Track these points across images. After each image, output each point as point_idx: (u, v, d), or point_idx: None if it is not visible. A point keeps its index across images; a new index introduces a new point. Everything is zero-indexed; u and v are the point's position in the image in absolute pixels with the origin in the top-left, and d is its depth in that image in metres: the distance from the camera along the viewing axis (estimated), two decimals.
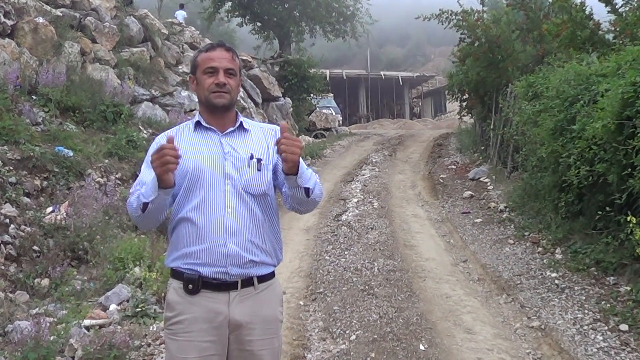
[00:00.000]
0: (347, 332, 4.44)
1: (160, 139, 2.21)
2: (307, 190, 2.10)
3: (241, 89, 2.32)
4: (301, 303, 5.15)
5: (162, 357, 4.01)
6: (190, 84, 2.28)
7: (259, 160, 2.17)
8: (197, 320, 2.09)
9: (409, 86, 42.61)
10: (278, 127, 2.18)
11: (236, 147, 2.18)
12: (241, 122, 2.24)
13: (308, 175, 2.11)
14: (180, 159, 2.06)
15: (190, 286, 2.09)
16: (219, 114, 2.20)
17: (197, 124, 2.23)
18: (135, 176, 8.08)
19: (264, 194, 2.18)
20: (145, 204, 2.02)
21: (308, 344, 4.32)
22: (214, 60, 2.16)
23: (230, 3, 24.39)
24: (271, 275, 2.22)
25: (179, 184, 2.11)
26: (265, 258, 2.18)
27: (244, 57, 17.34)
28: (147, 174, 2.12)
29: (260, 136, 2.25)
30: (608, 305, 4.70)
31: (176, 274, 2.15)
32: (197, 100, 2.39)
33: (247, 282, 2.14)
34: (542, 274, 5.63)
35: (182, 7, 20.54)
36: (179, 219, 2.14)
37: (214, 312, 2.09)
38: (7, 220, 5.53)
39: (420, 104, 45.07)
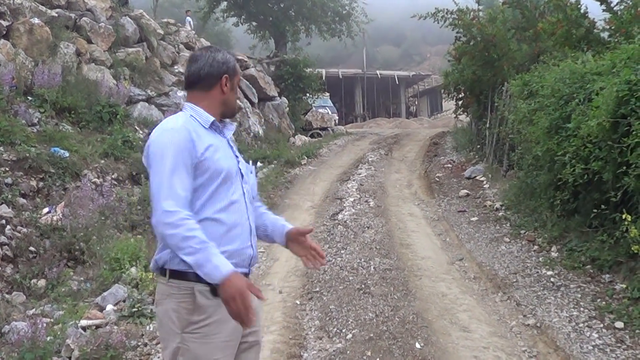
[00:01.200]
0: (344, 330, 4.45)
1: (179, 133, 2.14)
2: None
3: (237, 89, 2.33)
4: (297, 302, 5.15)
5: (158, 357, 4.01)
6: (224, 84, 2.23)
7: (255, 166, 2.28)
8: (226, 320, 2.02)
9: (405, 85, 42.64)
10: None
11: (237, 151, 2.28)
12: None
13: None
14: (211, 157, 2.08)
15: None
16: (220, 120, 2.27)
17: (212, 123, 2.19)
18: (131, 177, 8.08)
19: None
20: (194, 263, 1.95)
21: (304, 342, 4.32)
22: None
23: (225, 3, 24.38)
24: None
25: (208, 183, 2.07)
26: None
27: (240, 57, 17.33)
28: (183, 178, 2.02)
29: None
30: (603, 302, 4.72)
31: (199, 276, 2.00)
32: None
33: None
34: (537, 272, 5.64)
35: (188, 13, 21.60)
36: (204, 219, 2.06)
37: None
38: (3, 221, 5.52)
39: (416, 102, 45.11)
